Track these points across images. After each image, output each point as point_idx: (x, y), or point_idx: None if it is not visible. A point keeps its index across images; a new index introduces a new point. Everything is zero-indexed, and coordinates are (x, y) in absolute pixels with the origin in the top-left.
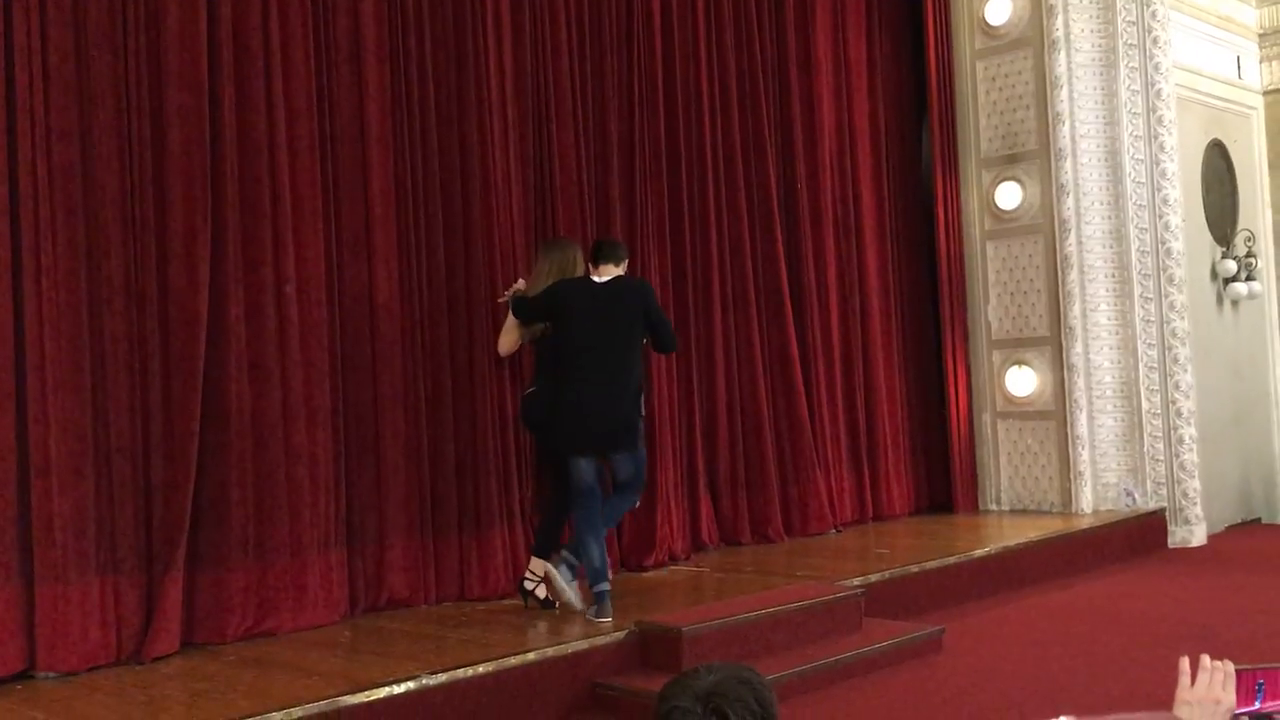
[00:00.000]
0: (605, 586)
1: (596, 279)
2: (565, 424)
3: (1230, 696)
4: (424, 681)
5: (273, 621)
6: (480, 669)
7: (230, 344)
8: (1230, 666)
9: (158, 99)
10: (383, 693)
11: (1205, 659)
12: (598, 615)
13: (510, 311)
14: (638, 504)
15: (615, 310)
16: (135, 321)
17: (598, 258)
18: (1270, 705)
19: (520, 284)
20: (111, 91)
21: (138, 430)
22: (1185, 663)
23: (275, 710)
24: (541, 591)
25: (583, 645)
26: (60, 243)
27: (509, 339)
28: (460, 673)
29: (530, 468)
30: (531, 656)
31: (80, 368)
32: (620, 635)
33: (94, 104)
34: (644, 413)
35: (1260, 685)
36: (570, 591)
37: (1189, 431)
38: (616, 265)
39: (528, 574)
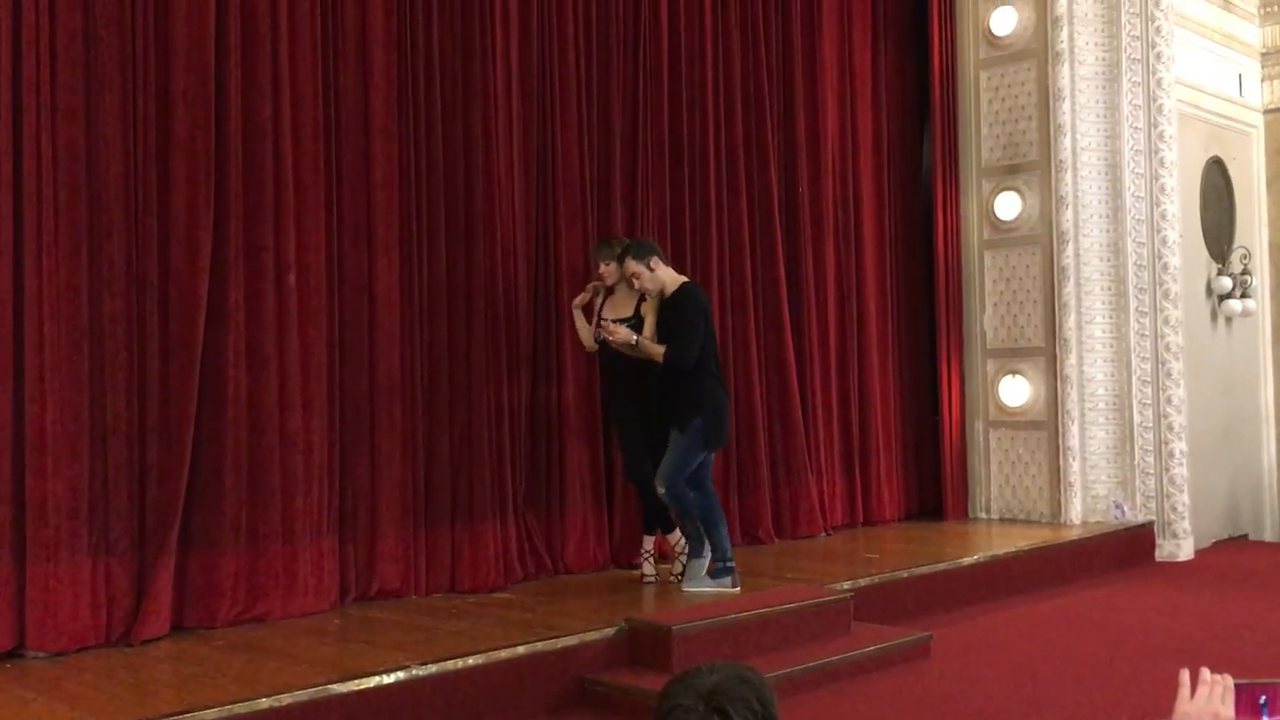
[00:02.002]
0: (732, 563)
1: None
2: (725, 422)
3: (1229, 710)
4: (413, 672)
5: (263, 607)
6: (470, 661)
7: (229, 329)
8: (1230, 680)
9: (164, 81)
10: (372, 682)
11: (1205, 672)
12: (735, 585)
13: (682, 360)
14: None
15: None
16: (135, 303)
17: (666, 257)
18: None
19: (593, 291)
20: (118, 72)
21: (134, 412)
22: (1185, 675)
23: (264, 696)
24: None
25: (572, 641)
26: (62, 222)
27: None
28: (450, 664)
29: (525, 461)
30: (521, 650)
31: (79, 348)
32: (610, 632)
33: (100, 84)
34: None
35: (1264, 700)
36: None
37: (1179, 446)
38: None
39: (678, 551)
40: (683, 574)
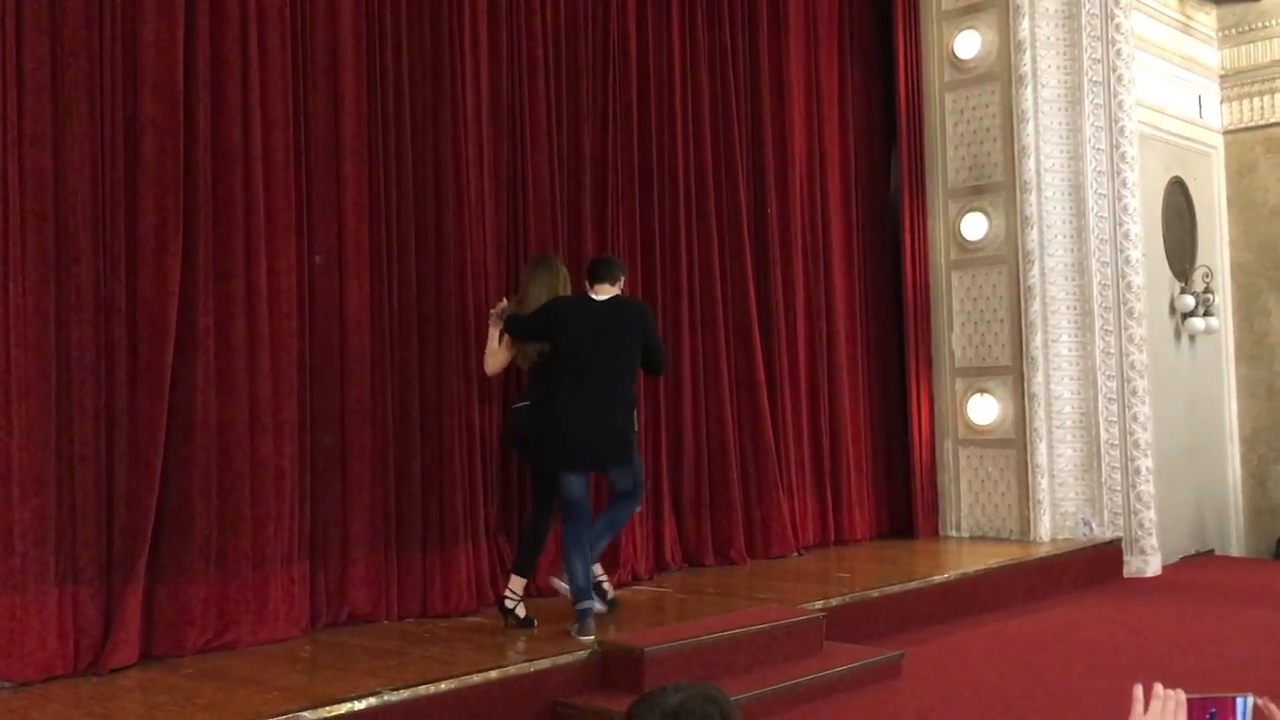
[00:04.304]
0: (589, 605)
1: (595, 297)
2: (557, 441)
3: None
4: (385, 698)
5: (233, 634)
6: (442, 686)
7: (198, 354)
8: (1182, 695)
9: (132, 107)
10: (343, 708)
11: (1158, 687)
12: (580, 633)
13: (502, 330)
14: (639, 509)
15: (613, 329)
16: (103, 329)
17: (594, 276)
18: None
19: (505, 302)
20: (86, 98)
21: (102, 439)
22: (1139, 690)
23: None
24: (521, 610)
25: (545, 664)
26: (29, 248)
27: (499, 358)
28: (422, 689)
29: (496, 484)
30: (493, 675)
31: (46, 375)
32: (583, 655)
33: (68, 110)
34: (636, 428)
35: (1212, 714)
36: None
37: (1145, 463)
38: (613, 284)
39: (508, 592)
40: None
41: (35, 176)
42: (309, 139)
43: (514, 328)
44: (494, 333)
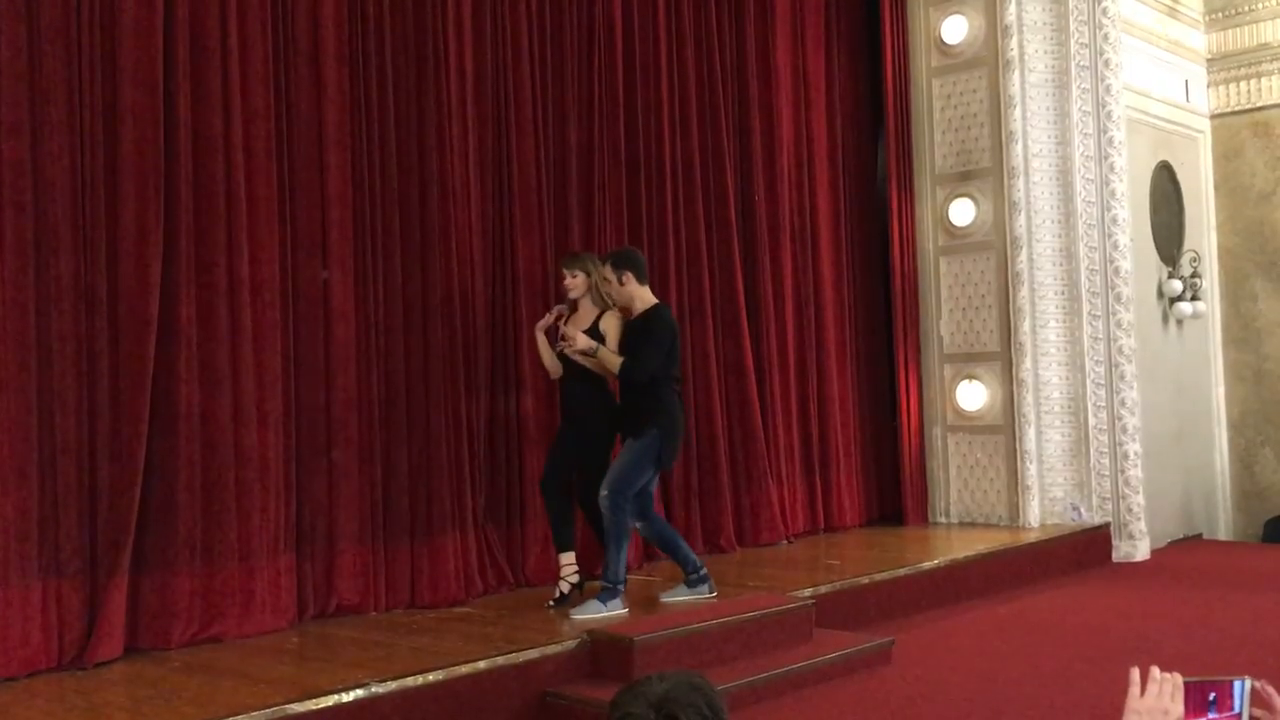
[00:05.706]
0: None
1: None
2: (679, 439)
3: (1178, 707)
4: (373, 689)
5: (219, 627)
6: (430, 677)
7: (181, 345)
8: (1179, 678)
9: (111, 95)
10: (330, 700)
11: (1155, 670)
12: (711, 590)
13: (638, 373)
14: None
15: None
16: (84, 321)
17: (647, 277)
18: (1222, 717)
19: (575, 333)
20: (64, 87)
21: (84, 431)
22: (1136, 673)
23: (221, 718)
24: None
25: (534, 654)
26: (8, 240)
27: (615, 359)
28: (410, 681)
29: (484, 474)
30: (482, 665)
31: (26, 367)
32: (572, 644)
33: (46, 99)
34: None
35: (1213, 698)
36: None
37: (1134, 447)
38: None
39: (567, 573)
40: (559, 600)
41: (12, 166)
42: (291, 127)
43: (647, 366)
44: (597, 359)
